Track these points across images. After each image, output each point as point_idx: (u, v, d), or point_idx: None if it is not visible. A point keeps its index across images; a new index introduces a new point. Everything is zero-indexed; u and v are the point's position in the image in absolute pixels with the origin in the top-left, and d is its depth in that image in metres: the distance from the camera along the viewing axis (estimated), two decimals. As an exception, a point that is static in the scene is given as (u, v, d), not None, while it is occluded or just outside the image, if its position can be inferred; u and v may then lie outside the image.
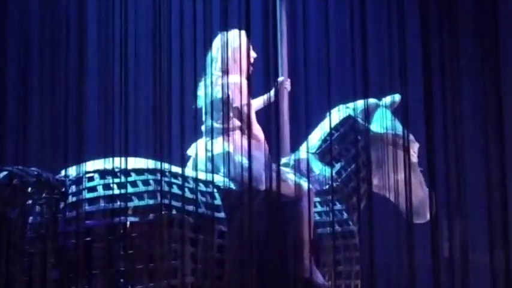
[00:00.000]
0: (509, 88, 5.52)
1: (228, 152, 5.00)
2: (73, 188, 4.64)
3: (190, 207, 4.75)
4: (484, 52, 5.34)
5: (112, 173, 4.68)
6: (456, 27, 5.25)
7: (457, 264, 5.09)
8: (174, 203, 4.71)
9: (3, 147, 4.80)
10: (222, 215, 4.86)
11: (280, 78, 5.34)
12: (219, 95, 5.04)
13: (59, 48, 4.85)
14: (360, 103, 5.41)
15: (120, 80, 4.69)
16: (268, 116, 5.17)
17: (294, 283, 4.91)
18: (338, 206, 5.28)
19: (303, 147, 5.39)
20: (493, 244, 5.16)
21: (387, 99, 5.52)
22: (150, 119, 4.76)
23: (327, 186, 5.25)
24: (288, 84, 5.35)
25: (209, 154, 5.01)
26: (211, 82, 5.07)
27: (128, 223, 4.60)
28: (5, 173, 4.51)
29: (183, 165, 4.88)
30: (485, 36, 5.33)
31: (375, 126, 5.47)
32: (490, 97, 5.31)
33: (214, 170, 4.98)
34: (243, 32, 5.06)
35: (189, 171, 4.96)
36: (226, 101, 5.01)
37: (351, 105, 5.47)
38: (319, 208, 5.22)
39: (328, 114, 5.38)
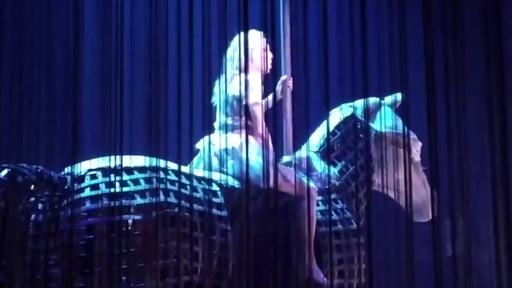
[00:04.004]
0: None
1: (233, 149, 5.02)
2: (75, 186, 4.65)
3: (193, 206, 4.75)
4: (488, 50, 5.33)
5: (114, 171, 4.68)
6: (460, 24, 5.24)
7: (460, 263, 5.08)
8: (176, 201, 4.71)
9: (6, 145, 4.80)
10: (224, 213, 4.87)
11: (283, 77, 5.35)
12: (232, 93, 5.10)
13: (56, 47, 4.87)
14: (363, 102, 5.40)
15: (120, 78, 4.71)
16: (271, 115, 5.19)
17: (296, 282, 4.91)
18: (341, 205, 5.28)
19: (306, 146, 5.39)
20: (496, 243, 5.15)
21: (390, 98, 5.52)
22: (152, 117, 4.76)
23: (330, 185, 5.25)
24: (290, 83, 5.35)
25: (215, 150, 5.04)
26: (222, 80, 5.12)
27: (130, 221, 4.61)
28: (7, 170, 4.52)
29: (180, 163, 4.87)
30: (490, 34, 5.32)
31: (378, 125, 5.47)
32: (494, 95, 5.30)
33: (218, 168, 5.00)
34: (261, 33, 5.14)
35: (192, 169, 4.96)
36: (237, 99, 5.06)
37: (354, 103, 5.46)
38: (321, 207, 5.22)
39: (331, 112, 5.40)
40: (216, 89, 5.18)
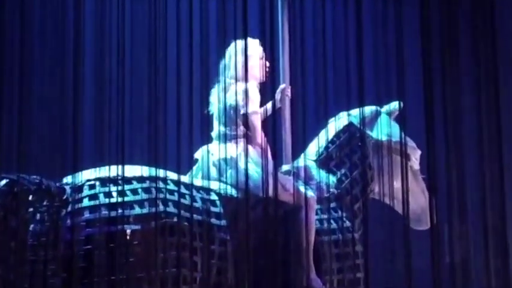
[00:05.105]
0: (507, 94, 5.59)
1: (231, 159, 5.01)
2: (74, 196, 4.65)
3: (192, 215, 4.75)
4: (483, 57, 5.35)
5: (113, 180, 4.68)
6: (456, 32, 5.27)
7: (458, 270, 5.09)
8: (175, 210, 4.71)
9: (4, 155, 4.80)
10: (223, 222, 4.86)
11: (281, 86, 5.34)
12: (229, 102, 5.09)
13: (56, 56, 4.87)
14: (361, 111, 5.41)
15: (116, 86, 4.71)
16: (270, 124, 5.19)
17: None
18: (340, 214, 5.27)
19: (305, 155, 5.39)
20: (491, 250, 5.17)
21: (388, 106, 5.52)
22: (151, 127, 4.77)
23: (329, 194, 5.25)
24: (289, 92, 5.35)
25: (213, 160, 5.03)
26: (219, 89, 5.12)
27: (129, 231, 4.61)
28: (6, 180, 4.52)
29: (180, 172, 4.87)
30: (484, 41, 5.35)
31: (377, 134, 5.47)
32: (489, 103, 5.33)
33: (217, 177, 5.00)
34: (257, 41, 5.14)
35: (190, 179, 4.96)
36: (234, 108, 5.04)
37: (352, 112, 5.46)
38: (320, 216, 5.21)
39: (329, 121, 5.40)
40: (212, 98, 5.18)
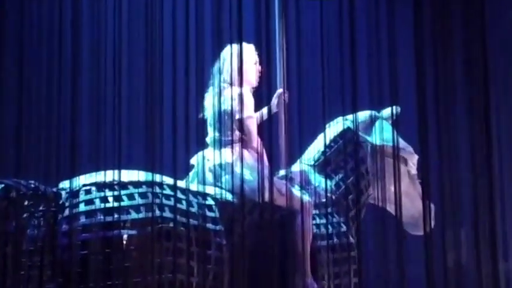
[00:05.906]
0: (499, 99, 5.61)
1: (227, 164, 5.00)
2: (70, 201, 4.64)
3: (188, 220, 4.74)
4: (476, 62, 5.37)
5: (109, 185, 4.68)
6: (449, 36, 5.29)
7: (451, 275, 5.09)
8: (171, 215, 4.70)
9: (0, 160, 4.81)
10: (219, 227, 4.86)
11: (279, 90, 5.34)
12: (223, 107, 5.07)
13: (53, 62, 4.88)
14: (359, 115, 5.41)
15: (113, 91, 4.72)
16: (266, 129, 5.19)
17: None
18: (337, 218, 5.26)
19: (301, 160, 5.39)
20: (483, 255, 5.18)
21: (386, 111, 5.52)
22: (147, 131, 4.77)
23: (326, 199, 5.24)
24: (286, 96, 5.34)
25: (209, 166, 5.03)
26: (212, 94, 5.12)
27: (125, 236, 4.60)
28: (1, 185, 4.52)
29: (176, 177, 4.87)
30: (477, 46, 5.37)
31: (374, 138, 5.46)
32: (482, 109, 5.34)
33: (213, 182, 4.99)
34: (251, 46, 5.14)
35: (187, 184, 4.96)
36: (229, 113, 5.04)
37: (350, 117, 5.46)
38: (317, 221, 5.20)
39: (327, 126, 5.40)
40: (206, 103, 5.17)
